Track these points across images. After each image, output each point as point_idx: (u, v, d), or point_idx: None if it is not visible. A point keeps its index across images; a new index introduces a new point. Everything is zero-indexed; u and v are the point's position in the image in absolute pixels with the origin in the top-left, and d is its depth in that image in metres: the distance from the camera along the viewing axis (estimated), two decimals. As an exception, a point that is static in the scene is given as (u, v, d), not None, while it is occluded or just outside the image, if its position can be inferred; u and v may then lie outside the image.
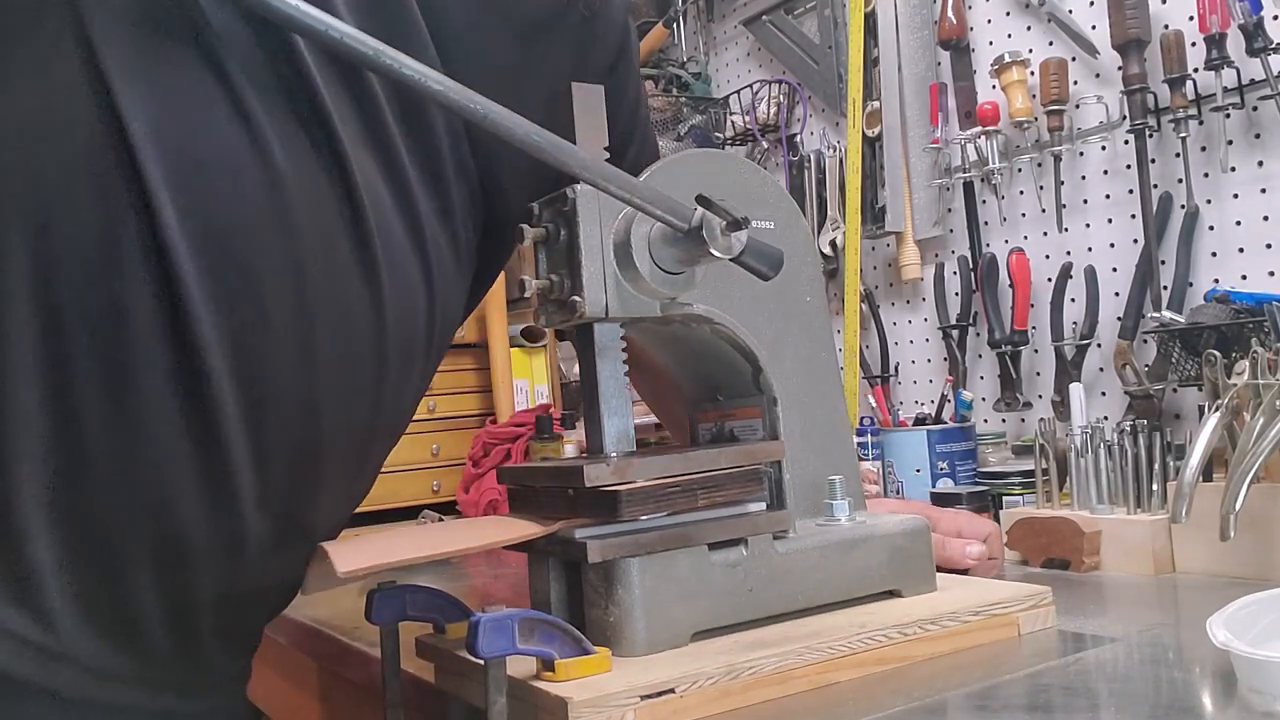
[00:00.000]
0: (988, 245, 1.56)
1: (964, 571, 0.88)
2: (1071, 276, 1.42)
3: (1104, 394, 1.40)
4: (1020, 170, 1.51)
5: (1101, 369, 1.40)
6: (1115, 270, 1.39)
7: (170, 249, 0.55)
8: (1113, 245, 1.40)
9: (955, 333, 1.57)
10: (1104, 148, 1.40)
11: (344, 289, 0.62)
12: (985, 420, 1.53)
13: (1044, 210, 1.45)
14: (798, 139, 1.93)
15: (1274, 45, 1.17)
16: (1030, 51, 1.48)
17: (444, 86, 0.59)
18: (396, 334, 0.65)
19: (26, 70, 0.54)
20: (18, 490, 0.54)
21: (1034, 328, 1.48)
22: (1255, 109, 1.24)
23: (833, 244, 1.80)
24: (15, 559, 0.55)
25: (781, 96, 1.93)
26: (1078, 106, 1.41)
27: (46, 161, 0.54)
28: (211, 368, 0.56)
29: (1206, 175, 1.29)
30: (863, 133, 1.73)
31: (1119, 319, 1.36)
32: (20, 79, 0.54)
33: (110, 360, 0.55)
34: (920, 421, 1.45)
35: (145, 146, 0.55)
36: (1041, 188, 1.46)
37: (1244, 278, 1.26)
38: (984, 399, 1.54)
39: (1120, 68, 1.33)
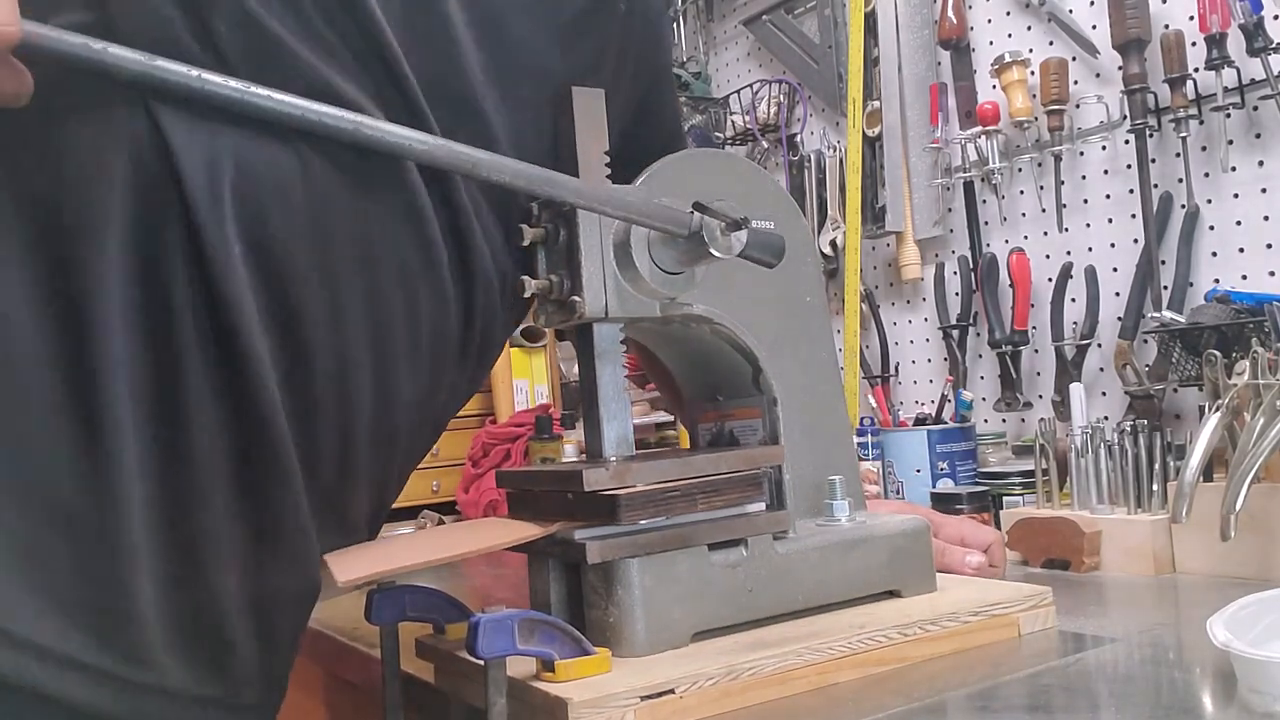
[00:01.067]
0: (988, 245, 1.56)
1: (964, 573, 0.88)
2: (1072, 276, 1.42)
3: (1104, 394, 1.40)
4: (1020, 170, 1.51)
5: (1102, 369, 1.40)
6: (1115, 270, 1.39)
7: (214, 261, 0.56)
8: (1113, 245, 1.40)
9: (955, 333, 1.57)
10: (1104, 147, 1.40)
11: (382, 298, 0.63)
12: (985, 420, 1.53)
13: (1044, 210, 1.45)
14: (798, 139, 1.93)
15: (1274, 45, 1.17)
16: (1030, 51, 1.48)
17: (428, 146, 0.61)
18: (430, 346, 0.67)
19: (88, 107, 0.56)
20: (127, 527, 0.55)
21: (1034, 328, 1.48)
22: (1255, 109, 1.24)
23: (833, 244, 1.80)
24: (119, 596, 0.55)
25: (781, 96, 1.93)
26: (1078, 106, 1.41)
27: (115, 186, 0.56)
28: (261, 379, 0.58)
29: (1207, 175, 1.29)
30: (863, 133, 1.73)
31: (1119, 319, 1.36)
32: (79, 116, 0.56)
33: (166, 377, 0.56)
34: (920, 421, 1.45)
35: (188, 157, 0.56)
36: (1041, 188, 1.46)
37: (1244, 278, 1.26)
38: (984, 399, 1.54)
39: (1120, 67, 1.33)
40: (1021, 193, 1.52)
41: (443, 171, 0.65)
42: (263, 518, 0.59)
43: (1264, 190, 1.24)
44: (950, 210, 1.63)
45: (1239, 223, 1.27)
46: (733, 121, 2.02)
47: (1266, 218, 1.24)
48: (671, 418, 1.77)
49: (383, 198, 0.63)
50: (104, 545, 0.55)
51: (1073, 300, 1.42)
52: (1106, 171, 1.41)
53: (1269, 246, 1.24)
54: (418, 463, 0.74)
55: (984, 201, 1.57)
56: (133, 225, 0.56)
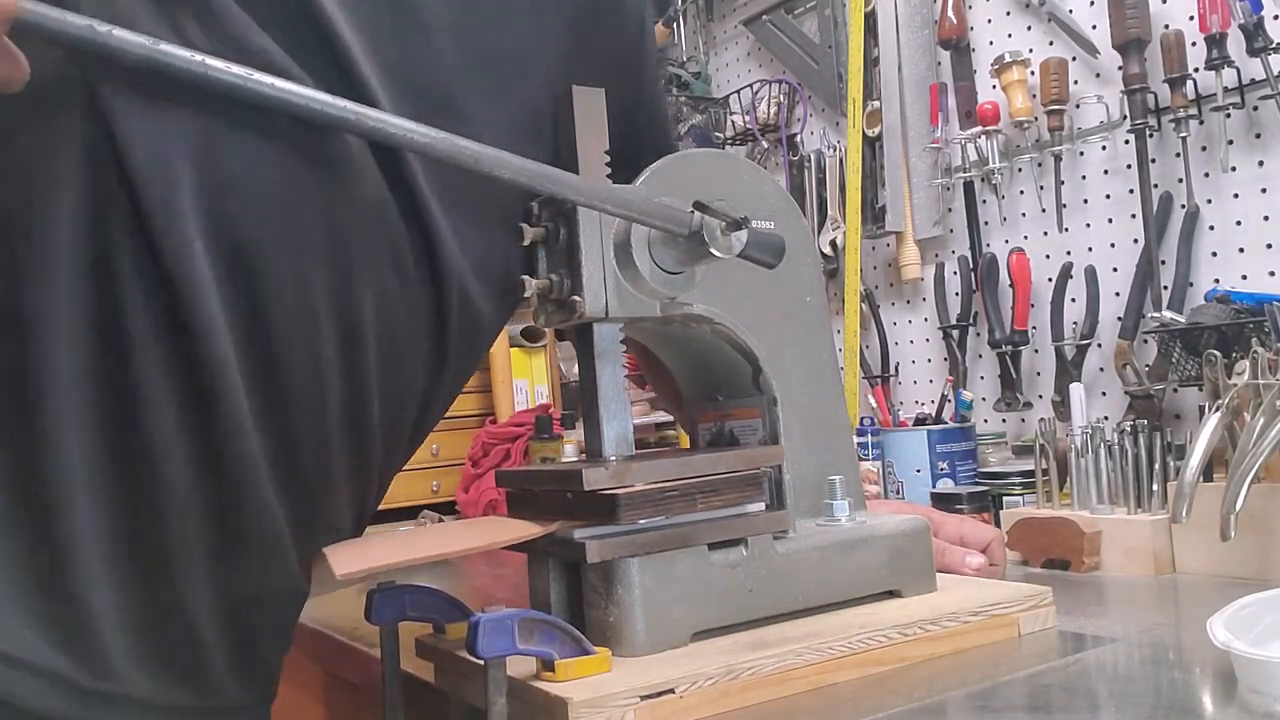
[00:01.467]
0: (988, 245, 1.56)
1: (964, 572, 0.88)
2: (1072, 276, 1.42)
3: (1104, 394, 1.40)
4: (1020, 170, 1.51)
5: (1102, 369, 1.40)
6: (1115, 270, 1.39)
7: (168, 257, 0.55)
8: (1113, 245, 1.40)
9: (955, 333, 1.57)
10: (1104, 147, 1.40)
11: (350, 290, 0.62)
12: (985, 420, 1.53)
13: (1044, 210, 1.45)
14: (798, 139, 1.93)
15: (1274, 45, 1.17)
16: (1030, 51, 1.48)
17: (430, 139, 0.60)
18: (403, 338, 0.66)
19: (35, 101, 0.54)
20: (77, 535, 0.54)
21: (1034, 328, 1.48)
22: (1255, 109, 1.24)
23: (833, 244, 1.80)
24: (73, 605, 0.55)
25: (781, 96, 1.93)
26: (1078, 106, 1.41)
27: (63, 184, 0.55)
28: (221, 379, 0.57)
29: (1207, 175, 1.29)
30: (863, 133, 1.73)
31: (1119, 319, 1.36)
32: (26, 112, 0.55)
33: (115, 381, 0.55)
34: (920, 421, 1.45)
35: (140, 152, 0.55)
36: (1041, 188, 1.46)
37: (1244, 277, 1.26)
38: (984, 399, 1.54)
39: (1120, 67, 1.33)
40: (1021, 193, 1.52)
41: (403, 166, 0.64)
42: (229, 521, 0.58)
43: (1264, 190, 1.24)
44: (950, 210, 1.63)
45: (1239, 223, 1.27)
46: (733, 121, 2.02)
47: (1266, 218, 1.24)
48: (671, 418, 1.77)
49: (346, 189, 0.62)
50: (52, 552, 0.54)
51: (1073, 300, 1.42)
52: (1106, 171, 1.41)
53: (1269, 246, 1.24)
54: (402, 463, 0.73)
55: (984, 201, 1.57)
56: (82, 225, 0.54)
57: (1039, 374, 1.50)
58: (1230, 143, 1.25)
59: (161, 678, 0.58)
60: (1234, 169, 1.26)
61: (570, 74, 0.74)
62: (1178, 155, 1.30)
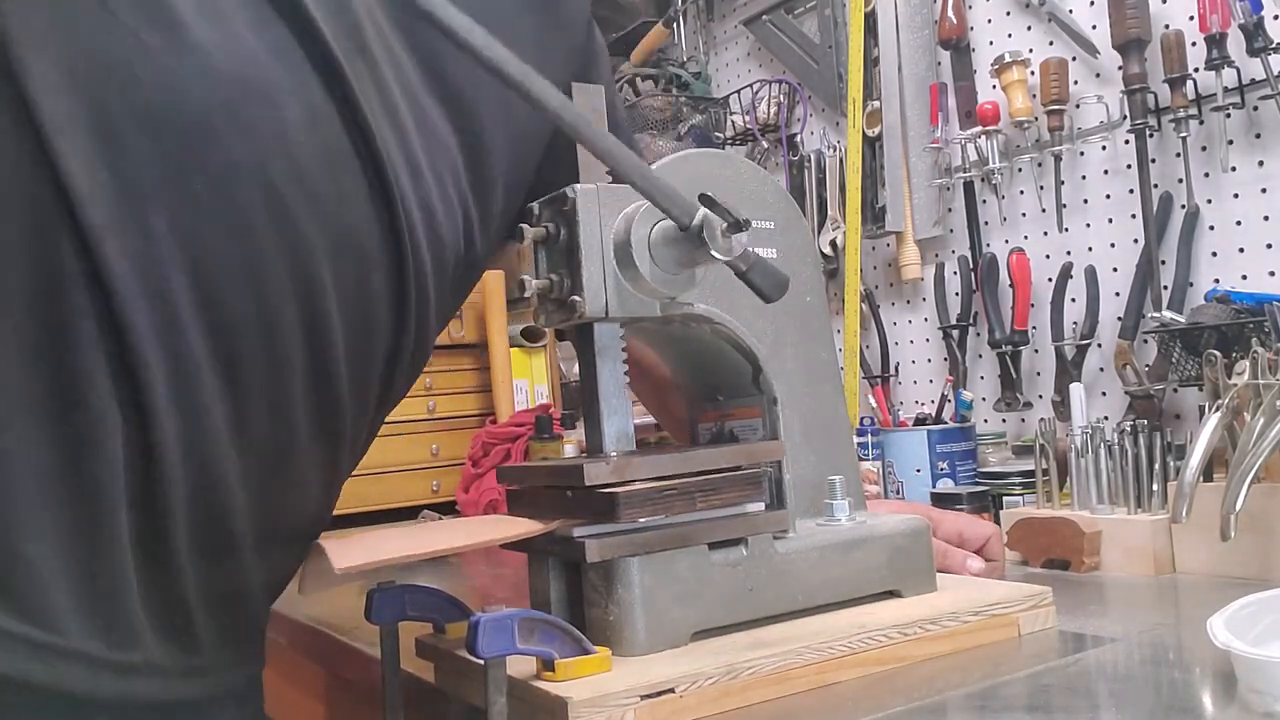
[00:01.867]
0: (988, 245, 1.56)
1: (964, 572, 0.88)
2: (1072, 276, 1.42)
3: (1104, 394, 1.40)
4: (1020, 170, 1.51)
5: (1102, 369, 1.40)
6: (1115, 270, 1.39)
7: (114, 292, 0.54)
8: (1113, 245, 1.40)
9: (955, 333, 1.57)
10: (1104, 147, 1.40)
11: (300, 235, 0.60)
12: (985, 420, 1.53)
13: (1044, 210, 1.45)
14: (798, 139, 1.93)
15: (1274, 45, 1.17)
16: (1030, 51, 1.48)
17: (483, 42, 0.58)
18: (362, 296, 0.64)
19: None
20: (12, 486, 0.54)
21: (1034, 328, 1.48)
22: (1256, 109, 1.24)
23: (833, 244, 1.80)
24: (9, 557, 0.54)
25: (781, 96, 1.93)
26: (1078, 106, 1.41)
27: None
28: (145, 353, 0.56)
29: (1207, 175, 1.29)
30: (863, 133, 1.73)
31: (1119, 319, 1.36)
32: None
33: (59, 364, 0.54)
34: (920, 421, 1.45)
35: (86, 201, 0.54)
36: (1042, 188, 1.46)
37: (1244, 278, 1.26)
38: (984, 399, 1.54)
39: (1120, 67, 1.33)
40: (1021, 193, 1.52)
41: (344, 83, 0.62)
42: (159, 513, 0.57)
43: (1264, 190, 1.24)
44: (950, 210, 1.63)
45: (1239, 223, 1.27)
46: (733, 121, 2.02)
47: (1266, 218, 1.24)
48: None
49: (285, 118, 0.59)
50: None
51: (1073, 300, 1.42)
52: (1106, 171, 1.41)
53: (1269, 246, 1.24)
54: (363, 451, 0.72)
55: (984, 201, 1.57)
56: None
57: (1039, 374, 1.50)
58: (1230, 143, 1.25)
59: (109, 640, 0.57)
60: (1234, 169, 1.26)
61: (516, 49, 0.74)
62: (1178, 155, 1.30)
